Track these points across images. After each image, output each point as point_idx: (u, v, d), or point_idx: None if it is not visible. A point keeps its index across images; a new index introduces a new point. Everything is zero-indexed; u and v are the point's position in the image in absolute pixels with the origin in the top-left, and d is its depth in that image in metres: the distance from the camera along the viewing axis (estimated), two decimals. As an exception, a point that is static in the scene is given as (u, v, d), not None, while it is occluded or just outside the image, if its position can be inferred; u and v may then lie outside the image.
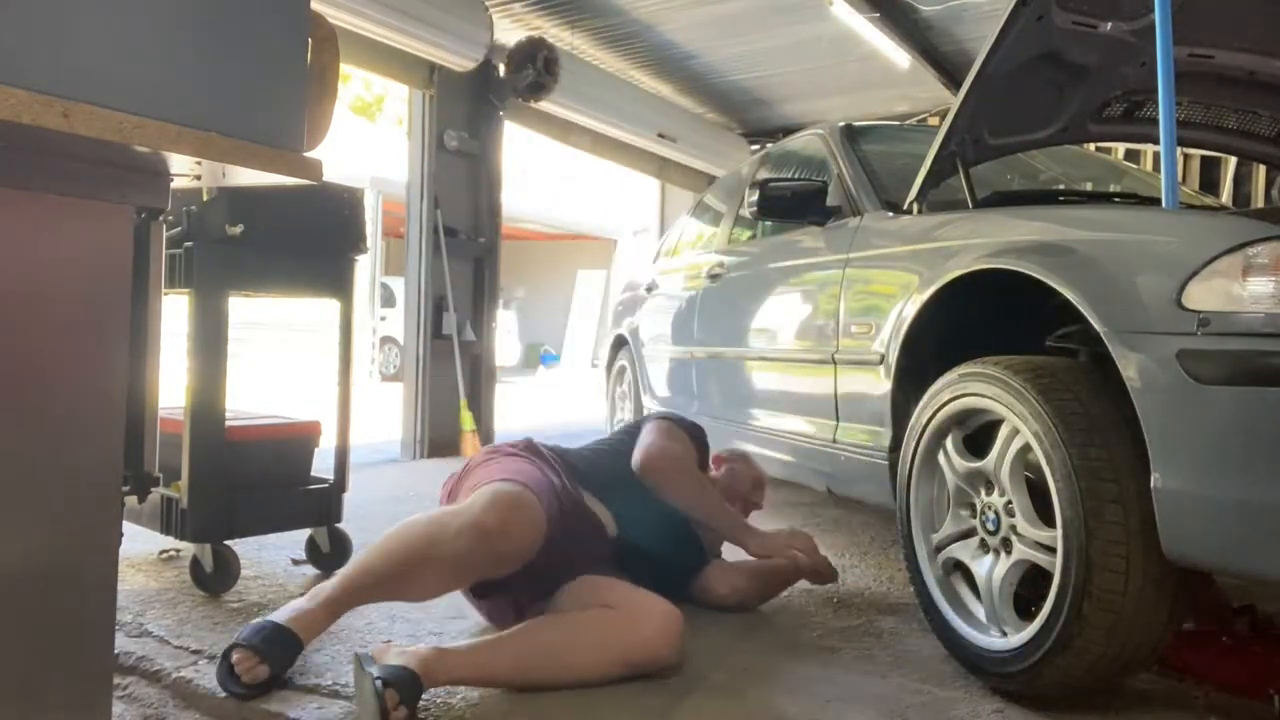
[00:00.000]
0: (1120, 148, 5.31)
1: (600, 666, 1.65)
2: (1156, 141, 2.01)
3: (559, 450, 2.11)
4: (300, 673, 1.69)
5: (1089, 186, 3.11)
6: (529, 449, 2.01)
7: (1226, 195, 5.63)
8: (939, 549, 1.86)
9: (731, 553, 2.26)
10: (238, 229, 2.15)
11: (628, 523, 2.01)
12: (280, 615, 1.63)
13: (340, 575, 1.70)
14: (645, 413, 4.18)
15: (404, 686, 1.46)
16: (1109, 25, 2.16)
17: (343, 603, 1.67)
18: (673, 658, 1.71)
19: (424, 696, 1.54)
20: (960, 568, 1.84)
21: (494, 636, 1.73)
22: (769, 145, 4.55)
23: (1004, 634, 1.68)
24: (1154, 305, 1.44)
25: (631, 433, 2.25)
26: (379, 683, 1.43)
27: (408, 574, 1.65)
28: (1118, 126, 2.53)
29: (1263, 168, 5.34)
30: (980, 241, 1.93)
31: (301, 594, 1.72)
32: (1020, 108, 2.31)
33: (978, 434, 1.81)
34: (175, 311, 1.82)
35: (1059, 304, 1.63)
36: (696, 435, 2.26)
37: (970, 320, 2.02)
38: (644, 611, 1.72)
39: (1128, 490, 1.46)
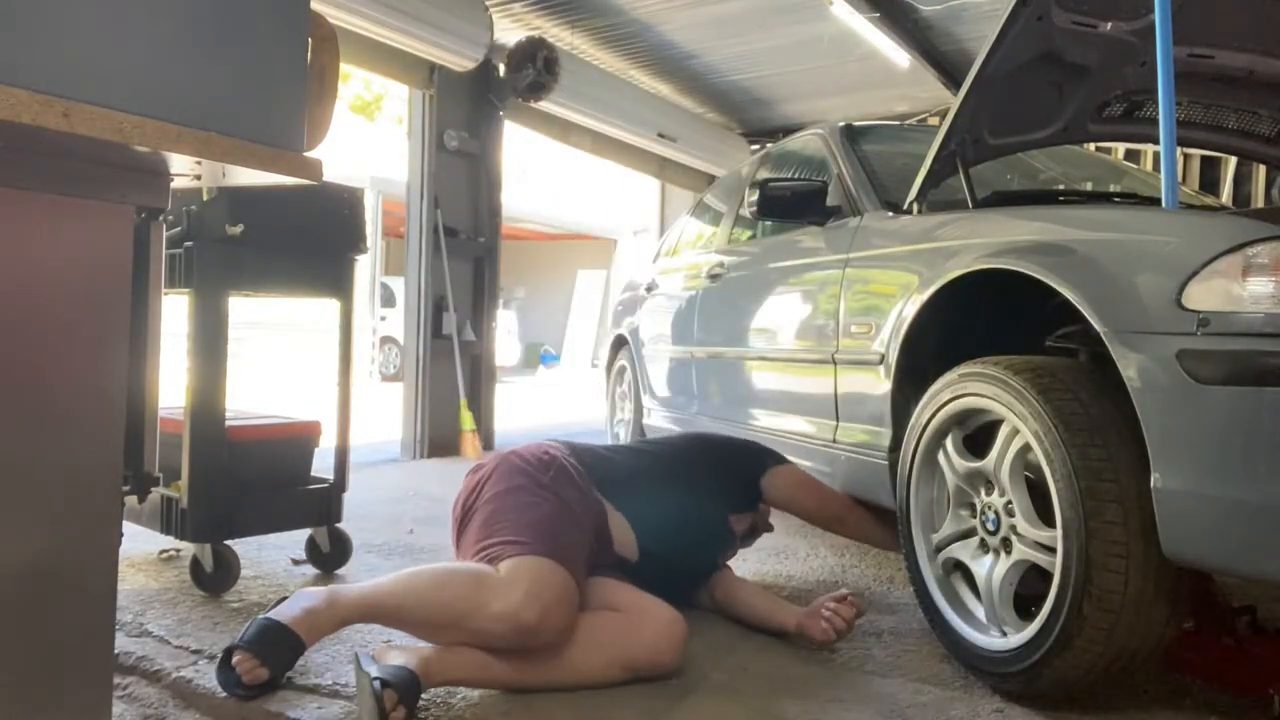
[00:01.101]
0: (1120, 148, 5.31)
1: (602, 669, 1.65)
2: (1156, 141, 2.01)
3: (582, 452, 2.05)
4: (300, 673, 1.69)
5: (1089, 186, 3.11)
6: (558, 478, 1.89)
7: (1226, 195, 5.64)
8: (939, 549, 1.86)
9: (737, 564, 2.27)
10: (238, 229, 2.15)
11: (645, 529, 1.98)
12: (286, 613, 1.59)
13: (362, 592, 1.64)
14: (645, 413, 4.19)
15: (403, 686, 1.46)
16: (1109, 25, 2.15)
17: (356, 619, 1.64)
18: (675, 663, 1.71)
19: (424, 696, 1.54)
20: (960, 568, 1.84)
21: None
22: (769, 145, 4.55)
23: (1004, 634, 1.68)
24: (1154, 305, 1.44)
25: (686, 450, 2.29)
26: (377, 683, 1.43)
27: (430, 624, 1.61)
28: (1118, 126, 2.53)
29: (1263, 168, 5.34)
30: (980, 241, 1.93)
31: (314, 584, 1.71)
32: (1020, 108, 2.31)
33: (978, 434, 1.81)
34: (175, 311, 1.82)
35: (1059, 304, 1.63)
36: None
37: (970, 320, 2.02)
38: (648, 616, 1.72)
39: (1128, 490, 1.46)
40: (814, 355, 2.57)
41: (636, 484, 2.06)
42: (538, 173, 14.60)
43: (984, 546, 1.77)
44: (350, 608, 1.61)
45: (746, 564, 2.64)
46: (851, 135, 2.97)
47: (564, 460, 1.95)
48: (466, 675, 1.60)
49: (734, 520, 2.21)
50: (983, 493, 1.77)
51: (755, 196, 2.67)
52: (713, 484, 2.19)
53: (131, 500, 1.30)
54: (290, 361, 10.03)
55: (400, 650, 1.59)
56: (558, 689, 1.62)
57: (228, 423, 2.23)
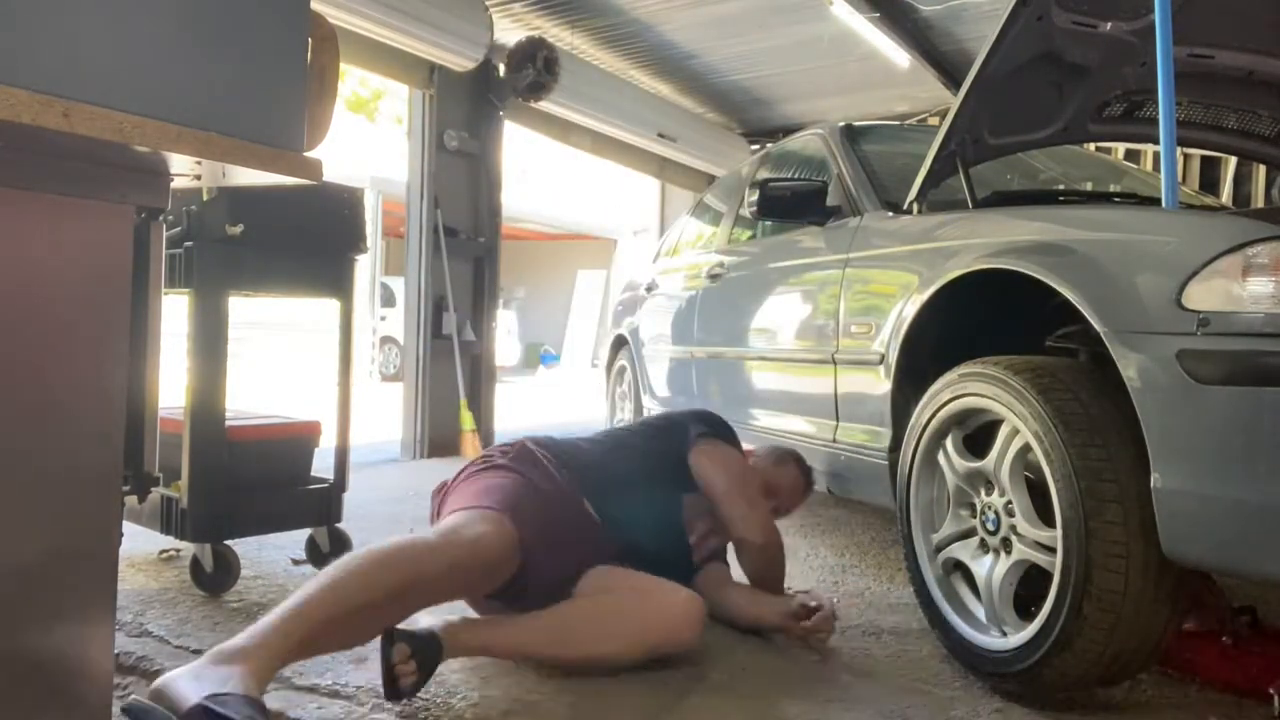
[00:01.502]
0: (1120, 148, 5.31)
1: (624, 648, 1.70)
2: (1156, 141, 2.01)
3: (553, 445, 2.02)
4: (300, 673, 1.69)
5: (1089, 186, 3.11)
6: (520, 457, 1.92)
7: (1226, 195, 5.63)
8: (939, 549, 1.86)
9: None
10: (238, 229, 2.15)
11: (615, 526, 1.92)
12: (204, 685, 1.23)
13: (258, 641, 1.34)
14: (645, 413, 4.19)
15: (419, 644, 1.49)
16: (1109, 25, 2.16)
17: (290, 656, 1.38)
18: (693, 641, 1.75)
19: (423, 696, 1.55)
20: (960, 568, 1.84)
21: (521, 615, 1.72)
22: (769, 145, 4.55)
23: (1004, 634, 1.68)
24: (1154, 305, 1.44)
25: (647, 435, 2.20)
26: (389, 637, 1.46)
27: (370, 607, 1.47)
28: (1118, 126, 2.53)
29: (1263, 168, 5.34)
30: (980, 241, 1.93)
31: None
32: (1020, 108, 2.31)
33: (978, 434, 1.81)
34: (175, 311, 1.82)
35: (1059, 304, 1.63)
36: (733, 439, 2.21)
37: (970, 320, 2.02)
38: (665, 596, 1.76)
39: (1128, 490, 1.46)
40: (814, 355, 2.57)
41: (599, 470, 2.00)
42: (538, 173, 14.60)
43: (984, 546, 1.77)
44: (263, 666, 1.32)
45: (746, 564, 2.64)
46: (851, 135, 2.97)
47: (529, 446, 1.97)
48: (494, 645, 1.66)
49: (689, 503, 2.09)
50: (983, 493, 1.77)
51: (755, 196, 2.67)
52: (666, 469, 2.09)
53: (131, 500, 1.30)
54: (290, 361, 10.03)
55: (429, 615, 1.62)
56: (581, 665, 1.68)
57: (228, 423, 2.23)
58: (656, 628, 1.72)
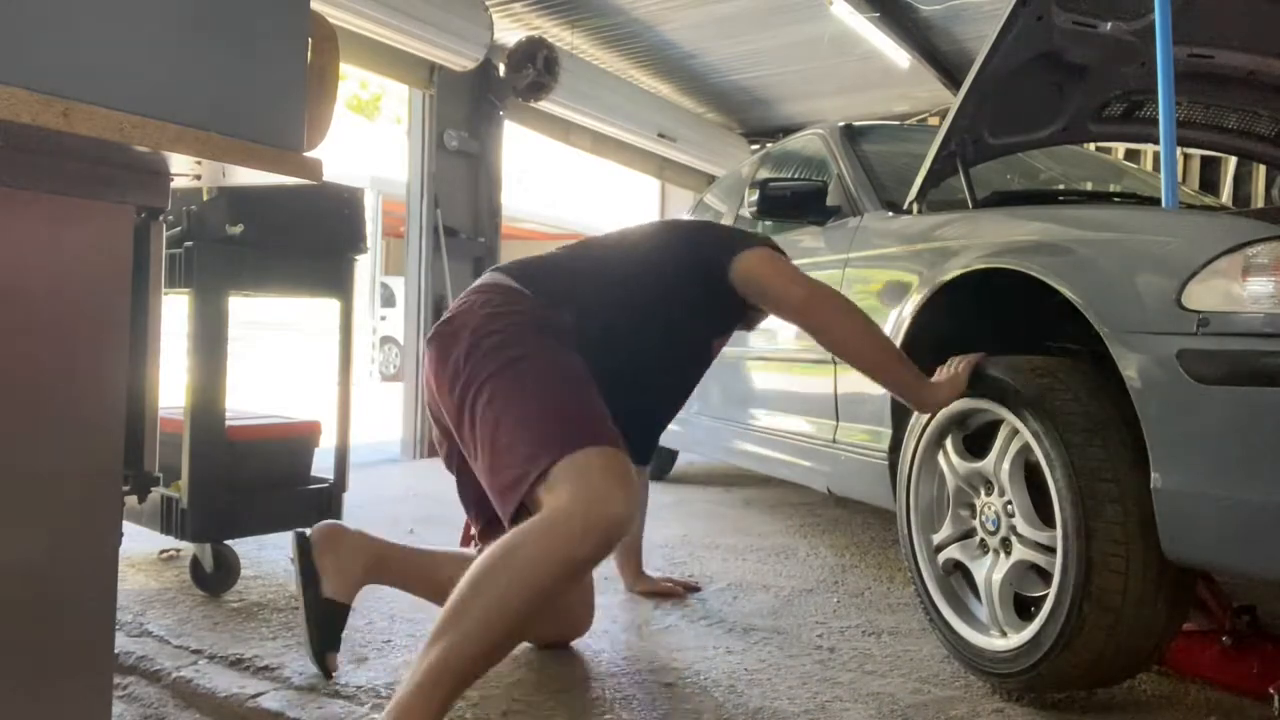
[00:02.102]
0: (1120, 148, 5.32)
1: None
2: (1156, 141, 2.01)
3: (527, 278, 1.69)
4: (300, 673, 1.69)
5: (1089, 186, 3.11)
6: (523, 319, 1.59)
7: (1226, 195, 5.63)
8: (939, 549, 1.86)
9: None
10: (238, 229, 2.16)
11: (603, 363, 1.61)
12: None
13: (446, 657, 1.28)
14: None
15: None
16: (1109, 25, 2.16)
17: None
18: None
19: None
20: (960, 568, 1.83)
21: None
22: (769, 145, 4.55)
23: (1004, 634, 1.68)
24: (1154, 305, 1.44)
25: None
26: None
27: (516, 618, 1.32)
28: (1118, 126, 2.53)
29: (1263, 168, 5.34)
30: (980, 241, 1.93)
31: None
32: (1020, 108, 2.31)
33: (978, 434, 1.81)
34: (175, 311, 1.82)
35: (1059, 304, 1.63)
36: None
37: (970, 320, 2.02)
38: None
39: (1128, 490, 1.46)
40: (814, 355, 2.57)
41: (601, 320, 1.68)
42: (538, 173, 14.61)
43: (984, 547, 1.76)
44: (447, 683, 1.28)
45: (745, 563, 2.64)
46: (851, 135, 2.97)
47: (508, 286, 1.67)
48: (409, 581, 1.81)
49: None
50: (982, 493, 1.77)
51: (755, 196, 2.67)
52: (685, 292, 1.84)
53: (131, 500, 1.30)
54: (290, 361, 10.03)
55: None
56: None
57: (228, 423, 2.24)
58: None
